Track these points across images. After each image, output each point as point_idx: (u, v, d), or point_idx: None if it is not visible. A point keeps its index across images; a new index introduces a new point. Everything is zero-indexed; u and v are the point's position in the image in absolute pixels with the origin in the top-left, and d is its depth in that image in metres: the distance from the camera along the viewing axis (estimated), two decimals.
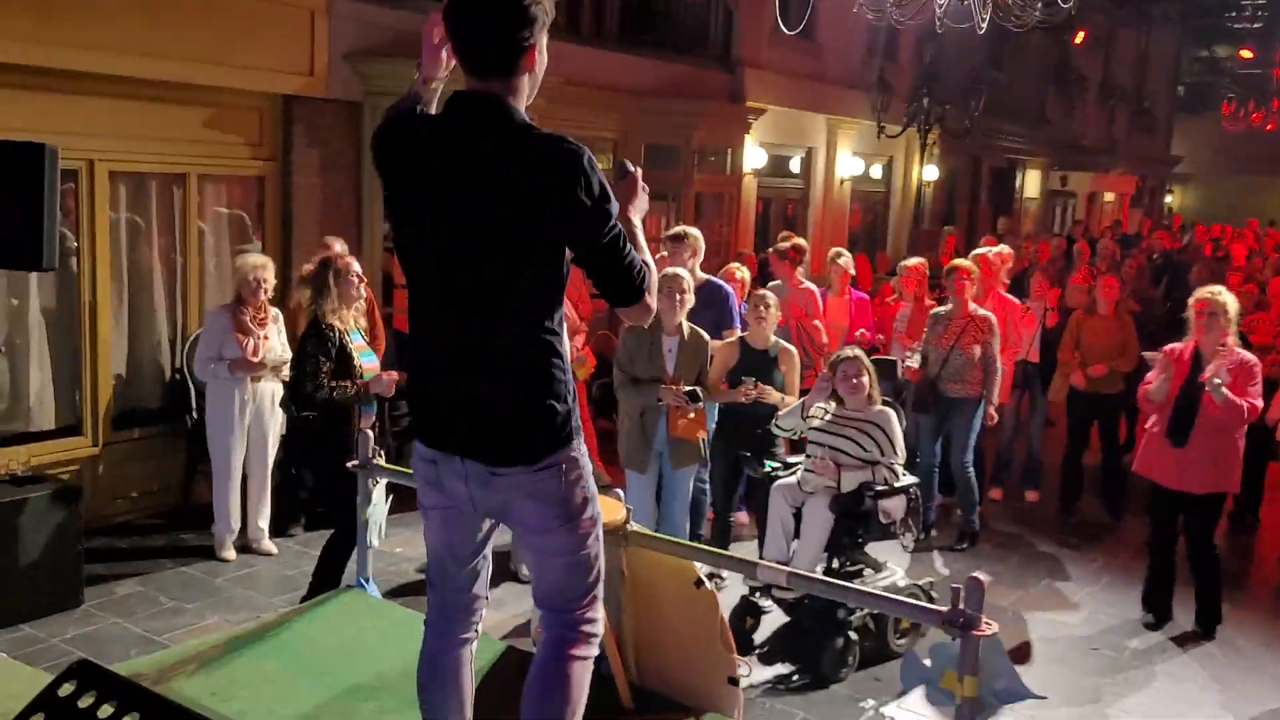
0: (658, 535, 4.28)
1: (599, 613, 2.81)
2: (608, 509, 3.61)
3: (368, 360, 5.52)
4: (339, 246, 6.66)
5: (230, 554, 6.48)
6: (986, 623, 3.03)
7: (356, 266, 5.60)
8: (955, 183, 17.79)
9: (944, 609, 3.06)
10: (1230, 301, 5.88)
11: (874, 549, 5.83)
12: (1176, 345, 6.06)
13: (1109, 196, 25.98)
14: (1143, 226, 24.37)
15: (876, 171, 15.70)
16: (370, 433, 4.34)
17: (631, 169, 2.78)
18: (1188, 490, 5.91)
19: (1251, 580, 7.40)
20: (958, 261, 7.39)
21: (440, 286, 2.60)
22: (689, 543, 4.15)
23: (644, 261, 2.62)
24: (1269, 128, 25.99)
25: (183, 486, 7.26)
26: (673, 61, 11.07)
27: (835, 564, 5.68)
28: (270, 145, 7.73)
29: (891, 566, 5.87)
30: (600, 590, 2.81)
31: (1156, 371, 6.10)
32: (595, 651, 2.81)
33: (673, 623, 3.57)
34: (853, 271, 8.87)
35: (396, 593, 5.84)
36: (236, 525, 6.53)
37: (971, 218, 18.37)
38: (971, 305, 7.14)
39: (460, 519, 2.76)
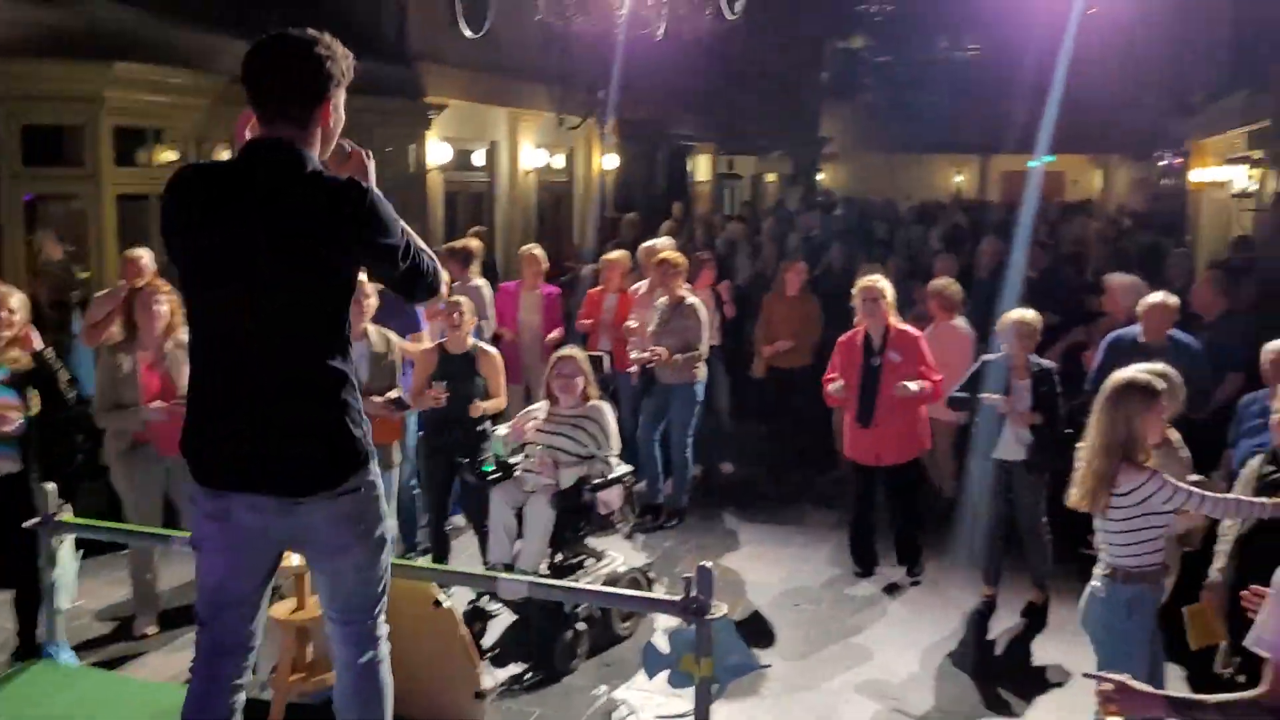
0: (395, 561, 4.16)
1: (385, 618, 2.95)
2: None
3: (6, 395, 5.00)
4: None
5: None
6: (717, 605, 3.20)
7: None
8: (633, 170, 18.39)
9: (678, 598, 3.20)
10: (887, 287, 6.49)
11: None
12: (845, 335, 6.60)
13: (770, 177, 27.81)
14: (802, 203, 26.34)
15: (559, 162, 15.94)
16: (49, 486, 3.93)
17: (350, 148, 2.85)
18: (883, 464, 6.47)
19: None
20: (667, 254, 7.67)
21: (231, 326, 2.68)
22: (425, 565, 4.08)
23: (430, 254, 2.82)
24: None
25: None
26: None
27: (559, 558, 5.76)
28: None
29: (611, 554, 6.03)
30: (386, 598, 2.94)
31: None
32: (388, 650, 2.96)
33: (414, 646, 3.49)
34: (545, 265, 8.94)
35: (82, 649, 5.37)
36: None
37: (649, 204, 19.05)
38: (681, 293, 7.44)
39: (246, 552, 2.79)
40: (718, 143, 22.36)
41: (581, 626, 5.52)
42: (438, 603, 3.50)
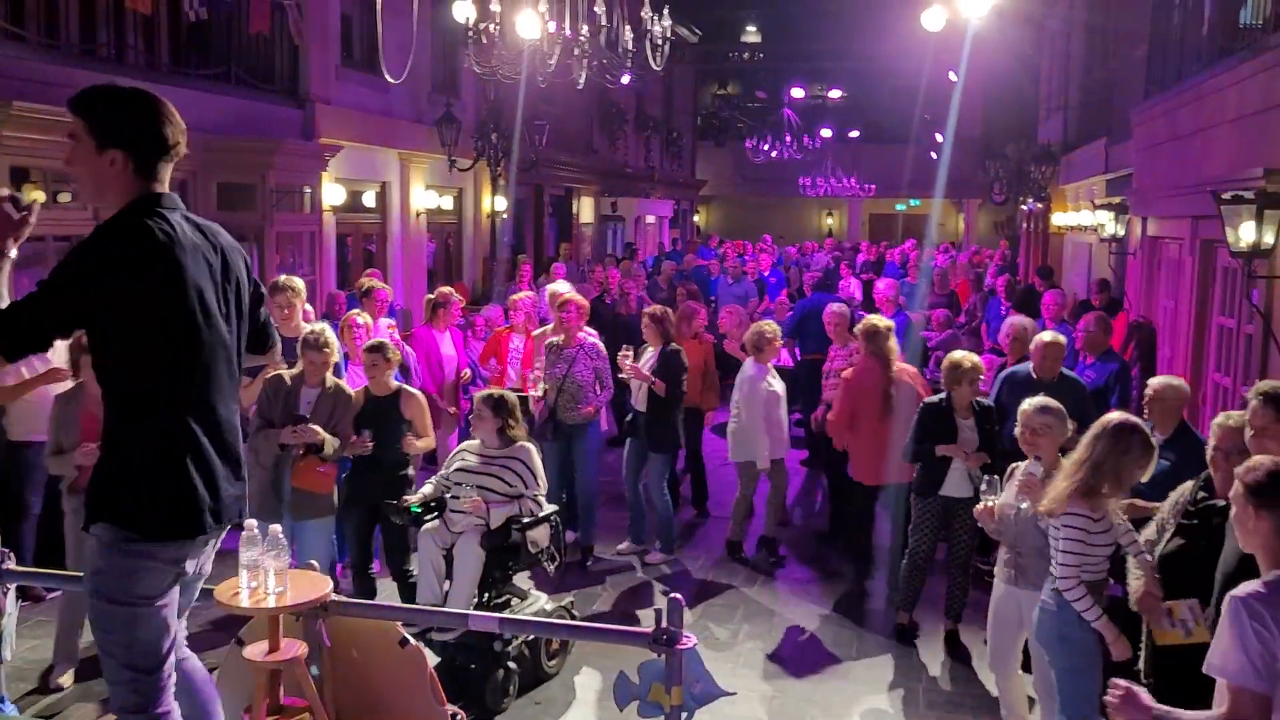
0: (359, 601, 4.17)
1: None
2: (311, 583, 3.49)
3: None
4: None
5: None
6: (686, 636, 3.32)
7: None
8: (521, 212, 18.51)
9: (649, 629, 3.31)
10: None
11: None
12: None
13: (650, 219, 28.29)
14: (679, 245, 26.90)
15: (448, 203, 15.96)
16: None
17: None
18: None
19: None
20: (569, 295, 7.80)
21: (215, 381, 3.00)
22: (395, 604, 4.09)
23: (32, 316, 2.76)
24: (784, 158, 29.61)
25: None
26: (240, 96, 10.58)
27: (485, 597, 5.79)
28: None
29: (534, 593, 6.09)
30: None
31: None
32: None
33: (381, 685, 3.51)
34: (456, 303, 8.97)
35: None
36: None
37: (538, 244, 19.19)
38: (581, 334, 7.57)
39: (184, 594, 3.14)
40: (600, 184, 22.68)
41: (512, 665, 5.56)
42: (405, 641, 3.52)
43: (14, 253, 2.84)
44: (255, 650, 3.36)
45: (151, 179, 2.91)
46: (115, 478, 2.90)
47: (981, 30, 12.31)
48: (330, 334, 6.01)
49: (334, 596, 3.45)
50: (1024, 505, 4.75)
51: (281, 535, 3.39)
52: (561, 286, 9.13)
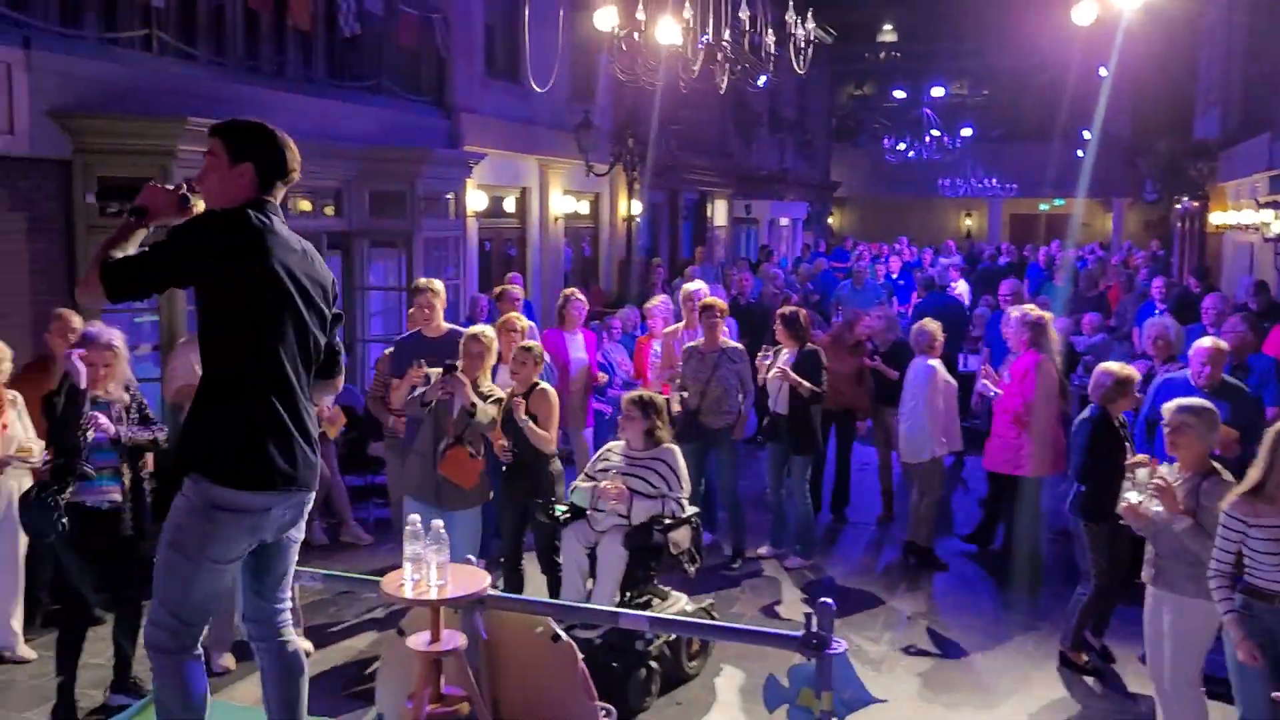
0: (513, 596, 4.30)
1: None
2: (470, 577, 3.62)
3: None
4: (76, 321, 6.19)
5: None
6: (836, 641, 3.32)
7: None
8: (656, 215, 18.67)
9: (799, 633, 3.32)
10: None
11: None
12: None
13: (784, 221, 28.12)
14: (819, 246, 26.68)
15: (585, 208, 16.22)
16: None
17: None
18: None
19: None
20: (710, 299, 7.85)
21: (297, 360, 3.28)
22: (546, 600, 4.20)
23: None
24: (922, 158, 29.13)
25: None
26: (389, 107, 10.98)
27: (628, 597, 5.87)
28: None
29: (675, 594, 6.13)
30: None
31: None
32: None
33: (534, 679, 3.62)
34: (586, 308, 9.10)
35: None
36: None
37: (672, 247, 19.33)
38: (722, 339, 7.61)
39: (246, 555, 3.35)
40: (733, 187, 22.67)
41: (654, 665, 5.62)
42: (557, 636, 3.62)
43: (152, 228, 3.26)
44: (418, 640, 3.51)
45: (268, 193, 3.32)
46: (202, 433, 3.24)
47: (1134, 23, 11.87)
48: (493, 335, 6.12)
49: (491, 591, 3.57)
50: (1157, 508, 4.64)
51: (443, 530, 3.53)
52: (697, 285, 9.13)
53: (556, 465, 6.39)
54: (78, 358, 5.19)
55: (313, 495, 3.36)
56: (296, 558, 3.51)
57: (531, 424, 6.15)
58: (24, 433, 5.85)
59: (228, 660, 5.88)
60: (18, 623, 5.99)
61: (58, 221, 7.45)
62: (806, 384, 7.41)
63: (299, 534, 3.45)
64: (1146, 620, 4.91)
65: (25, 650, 5.97)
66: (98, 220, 7.41)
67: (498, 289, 8.95)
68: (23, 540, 5.91)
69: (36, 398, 5.99)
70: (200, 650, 3.34)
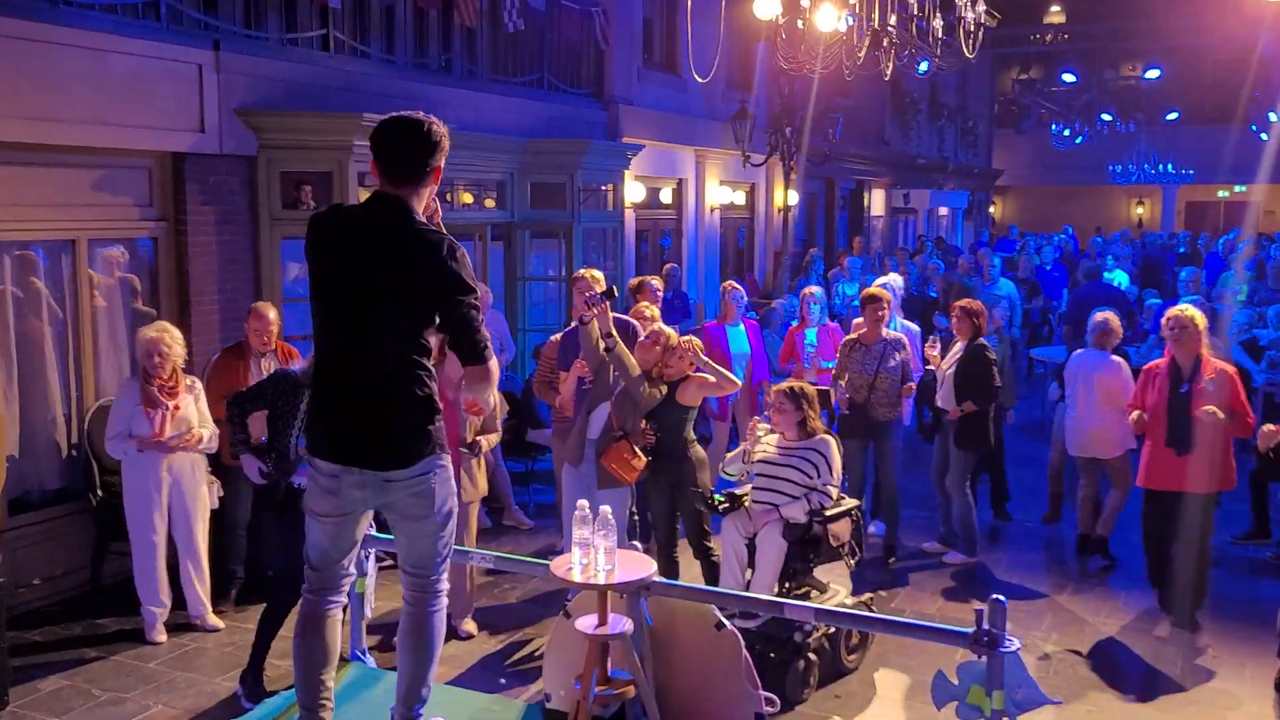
0: (677, 583, 4.35)
1: (447, 576, 3.65)
2: (637, 563, 3.68)
3: None
4: (272, 314, 6.56)
5: (162, 636, 6.16)
6: (1009, 639, 3.24)
7: None
8: (812, 205, 18.47)
9: (969, 630, 3.25)
10: (1198, 315, 6.44)
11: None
12: (1155, 362, 6.67)
13: (943, 210, 27.39)
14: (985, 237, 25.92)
15: (740, 198, 16.16)
16: None
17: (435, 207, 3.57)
18: (1188, 490, 6.37)
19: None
20: (871, 290, 7.75)
21: (346, 337, 3.41)
22: (708, 588, 4.24)
23: (482, 331, 3.40)
24: (1092, 144, 27.99)
25: (92, 568, 6.88)
26: (550, 100, 11.18)
27: (786, 588, 5.85)
28: (162, 205, 7.44)
29: (834, 586, 6.08)
30: (449, 560, 3.65)
31: None
32: (445, 604, 3.67)
33: (698, 666, 3.65)
34: (744, 299, 9.07)
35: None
36: (167, 605, 6.25)
37: (829, 237, 19.09)
38: (883, 329, 7.50)
39: (349, 521, 3.55)
40: (891, 176, 22.22)
41: (812, 657, 5.59)
42: (720, 625, 3.64)
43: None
44: (586, 623, 3.58)
45: (388, 182, 3.42)
46: (418, 419, 3.47)
47: None
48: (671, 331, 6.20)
49: (656, 577, 3.61)
50: None
51: (612, 517, 3.59)
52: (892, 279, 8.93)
53: (699, 452, 6.37)
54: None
55: (390, 475, 3.41)
56: (418, 542, 3.60)
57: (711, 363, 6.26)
58: (195, 417, 6.21)
59: (470, 625, 6.21)
60: (205, 594, 6.37)
61: (244, 215, 7.88)
62: (970, 405, 7.35)
63: (418, 522, 3.53)
64: None
65: (214, 620, 6.35)
66: (281, 214, 7.81)
67: (635, 280, 8.94)
68: (203, 517, 6.29)
69: (228, 381, 6.37)
70: (320, 593, 3.61)
